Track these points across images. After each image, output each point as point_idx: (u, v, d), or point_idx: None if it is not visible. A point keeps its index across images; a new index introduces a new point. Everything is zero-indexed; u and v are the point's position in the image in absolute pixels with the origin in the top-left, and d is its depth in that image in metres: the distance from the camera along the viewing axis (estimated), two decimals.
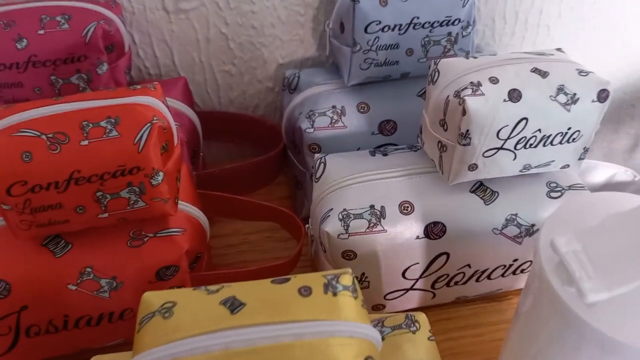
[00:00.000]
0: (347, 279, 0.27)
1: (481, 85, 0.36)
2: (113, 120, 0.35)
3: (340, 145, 0.47)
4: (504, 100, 0.36)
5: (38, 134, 0.34)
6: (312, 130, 0.47)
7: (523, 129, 0.37)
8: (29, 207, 0.35)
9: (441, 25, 0.46)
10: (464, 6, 0.45)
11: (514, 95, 0.36)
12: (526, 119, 0.37)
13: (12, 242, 0.38)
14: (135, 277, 0.39)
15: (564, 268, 0.26)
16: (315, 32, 0.53)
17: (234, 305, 0.26)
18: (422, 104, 0.48)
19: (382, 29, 0.45)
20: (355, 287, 0.28)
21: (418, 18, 0.45)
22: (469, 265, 0.43)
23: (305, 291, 0.27)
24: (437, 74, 0.39)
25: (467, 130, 0.36)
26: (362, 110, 0.48)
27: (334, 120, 0.48)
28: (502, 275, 0.44)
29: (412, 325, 0.34)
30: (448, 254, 0.42)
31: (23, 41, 0.42)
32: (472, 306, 0.47)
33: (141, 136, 0.35)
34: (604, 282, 0.25)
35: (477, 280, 0.44)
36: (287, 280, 0.27)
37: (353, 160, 0.44)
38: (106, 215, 0.37)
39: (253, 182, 0.54)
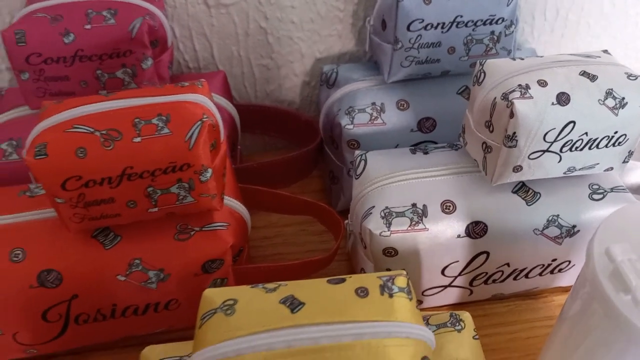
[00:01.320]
0: (402, 281, 0.28)
1: (530, 88, 0.36)
2: (164, 118, 0.36)
3: (379, 142, 0.47)
4: (552, 104, 0.36)
5: (92, 130, 0.35)
6: (351, 126, 0.47)
7: (570, 132, 0.37)
8: (82, 202, 0.36)
9: (484, 24, 0.45)
10: (508, 5, 0.45)
11: (563, 99, 0.36)
12: (574, 122, 0.37)
13: (63, 234, 0.39)
14: (181, 269, 0.40)
15: (619, 276, 0.26)
16: (354, 27, 0.53)
17: (293, 305, 0.27)
18: (461, 102, 0.48)
19: (425, 27, 0.45)
20: (409, 289, 0.28)
21: (461, 16, 0.45)
22: (507, 264, 0.43)
23: (362, 292, 0.27)
24: (482, 75, 0.39)
25: (514, 133, 0.37)
26: (401, 108, 0.48)
27: (373, 117, 0.48)
28: (540, 274, 0.44)
29: (457, 324, 0.34)
30: (488, 253, 0.42)
31: (70, 35, 0.42)
32: (507, 303, 0.48)
33: (192, 134, 0.36)
34: None
35: (514, 279, 0.45)
36: (343, 280, 0.28)
37: (394, 158, 0.44)
38: (156, 209, 0.37)
39: (289, 175, 0.55)
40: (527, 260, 0.43)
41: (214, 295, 0.28)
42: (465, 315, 0.35)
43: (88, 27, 0.43)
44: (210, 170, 0.37)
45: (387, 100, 0.48)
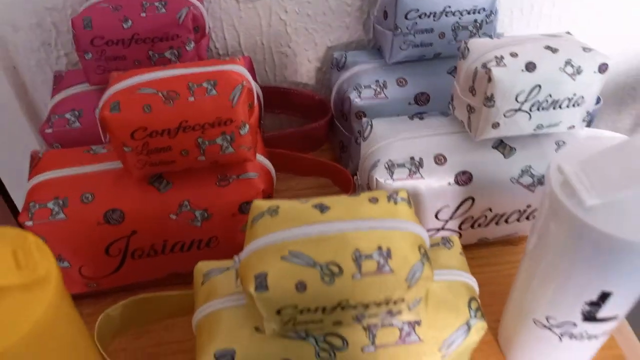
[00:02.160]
0: (404, 194, 0.37)
1: (504, 59, 0.45)
2: (212, 82, 0.44)
3: (382, 113, 0.56)
4: (522, 70, 0.45)
5: (155, 91, 0.44)
6: (359, 100, 0.56)
7: (537, 94, 0.46)
8: (146, 149, 0.44)
9: (469, 13, 0.55)
10: None
11: (530, 67, 0.45)
12: (539, 85, 0.46)
13: (125, 182, 0.48)
14: (222, 209, 0.48)
15: (568, 185, 0.35)
16: (359, 20, 0.62)
17: (322, 208, 0.35)
18: (451, 80, 0.57)
19: (419, 16, 0.54)
20: (409, 200, 0.37)
21: (450, 7, 0.54)
22: (490, 209, 0.52)
23: (374, 200, 0.36)
24: (467, 50, 0.48)
25: (492, 95, 0.45)
26: (400, 84, 0.57)
27: (377, 92, 0.57)
28: (518, 219, 0.53)
29: (447, 243, 0.43)
30: (473, 199, 0.51)
31: (128, 22, 0.51)
32: (491, 248, 0.56)
33: (234, 95, 0.44)
34: (598, 193, 0.34)
35: (496, 224, 0.53)
36: (359, 195, 0.37)
37: (395, 123, 0.53)
38: (203, 158, 0.46)
39: (303, 146, 0.64)
40: (506, 206, 0.52)
41: (261, 204, 0.36)
42: (454, 238, 0.44)
43: (143, 15, 0.52)
44: (247, 125, 0.46)
45: (389, 78, 0.57)
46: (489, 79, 0.45)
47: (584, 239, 0.35)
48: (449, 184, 0.50)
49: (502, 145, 0.50)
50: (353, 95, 0.57)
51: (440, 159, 0.50)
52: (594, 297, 0.37)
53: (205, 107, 0.44)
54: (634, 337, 0.51)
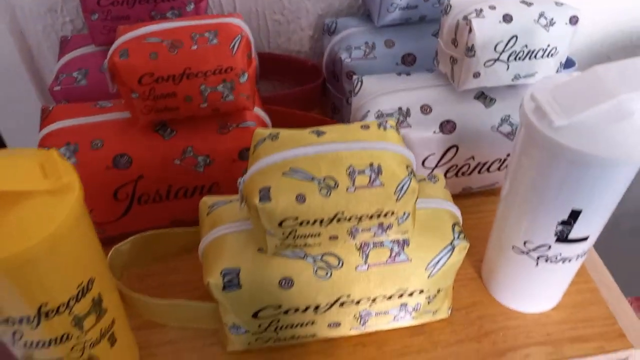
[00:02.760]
0: (392, 122, 0.40)
1: (483, 11, 0.49)
2: (213, 32, 0.48)
3: (371, 72, 0.59)
4: (500, 22, 0.49)
5: (160, 40, 0.47)
6: (349, 60, 0.60)
7: (514, 44, 0.50)
8: (152, 95, 0.48)
9: None
10: None
11: (507, 18, 0.49)
12: (516, 36, 0.49)
13: (132, 129, 0.51)
14: (223, 155, 0.52)
15: (540, 110, 0.39)
16: None
17: (319, 133, 0.39)
18: (435, 42, 0.61)
19: None
20: (397, 128, 0.40)
21: None
22: (472, 158, 0.55)
23: (365, 127, 0.40)
24: (449, 7, 0.52)
25: (473, 45, 0.49)
26: (388, 46, 0.61)
27: (366, 53, 0.60)
28: (499, 168, 0.57)
29: (432, 178, 0.47)
30: (457, 147, 0.54)
31: None
32: (475, 198, 0.60)
33: (234, 44, 0.48)
34: (565, 114, 0.37)
35: (479, 172, 0.57)
36: (351, 123, 0.40)
37: (383, 79, 0.56)
38: (205, 105, 0.49)
39: (297, 107, 0.67)
40: (487, 154, 0.55)
41: (262, 132, 0.40)
42: (439, 175, 0.47)
43: None
44: (246, 74, 0.49)
45: (377, 40, 0.61)
46: (470, 30, 0.49)
47: (554, 158, 0.39)
48: (434, 132, 0.53)
49: (483, 97, 0.54)
50: (344, 56, 0.60)
51: (426, 109, 0.53)
52: (565, 216, 0.41)
53: (207, 55, 0.47)
54: (606, 272, 0.55)
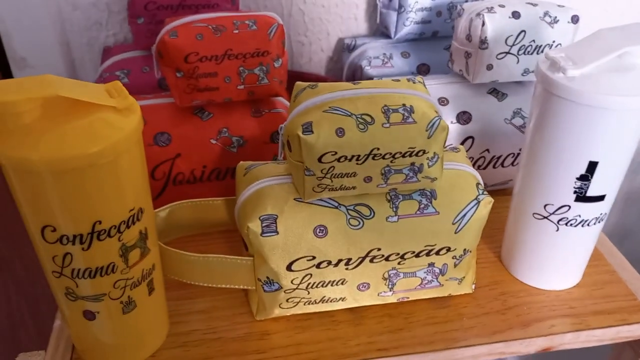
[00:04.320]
0: (420, 79, 0.44)
1: (493, 8, 0.55)
2: (253, 21, 0.53)
3: None
4: (509, 17, 0.55)
5: (206, 25, 0.52)
6: (369, 67, 0.65)
7: (523, 38, 0.55)
8: (195, 74, 0.52)
9: None
10: None
11: (516, 15, 0.55)
12: (524, 31, 0.55)
13: (173, 111, 0.55)
14: (256, 137, 0.55)
15: (554, 65, 0.43)
16: (366, 12, 0.73)
17: (355, 82, 0.43)
18: (447, 55, 0.67)
19: None
20: (424, 84, 0.44)
21: None
22: (488, 151, 0.59)
23: (396, 80, 0.43)
24: (462, 10, 0.58)
25: (486, 37, 0.54)
26: (404, 57, 0.67)
27: (384, 62, 0.66)
28: (512, 164, 0.60)
29: (454, 149, 0.50)
30: (473, 138, 0.58)
31: None
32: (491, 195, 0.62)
33: (271, 31, 0.53)
34: (577, 66, 0.42)
35: (494, 167, 0.60)
36: (383, 80, 0.44)
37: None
38: (242, 87, 0.54)
39: None
40: (501, 147, 0.59)
41: (302, 83, 0.43)
42: (460, 147, 0.51)
43: None
44: (281, 60, 0.54)
45: (394, 52, 0.67)
46: (483, 23, 0.54)
47: (569, 106, 0.42)
48: (452, 122, 0.57)
49: (495, 92, 0.59)
50: (364, 64, 0.65)
51: (443, 101, 0.58)
52: (583, 169, 0.44)
53: (247, 39, 0.52)
54: (622, 256, 0.56)
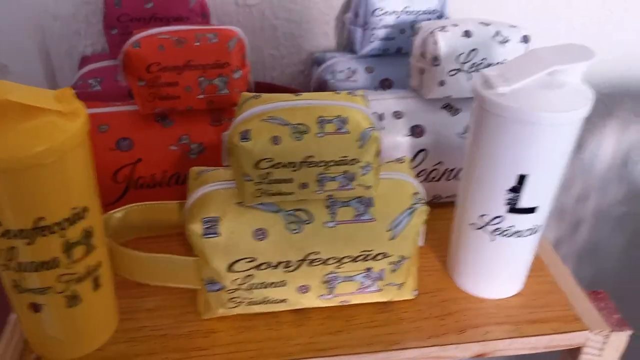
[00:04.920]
0: (361, 92, 0.47)
1: (446, 27, 0.57)
2: (214, 34, 0.56)
3: None
4: (461, 36, 0.57)
5: (168, 37, 0.55)
6: (333, 81, 0.68)
7: (474, 56, 0.57)
8: (157, 83, 0.55)
9: (423, 13, 0.68)
10: (439, 0, 0.68)
11: (467, 34, 0.57)
12: (476, 49, 0.57)
13: (136, 118, 0.57)
14: (214, 145, 0.58)
15: (487, 82, 0.45)
16: (336, 29, 0.75)
17: (297, 94, 0.45)
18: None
19: (384, 14, 0.67)
20: (365, 97, 0.47)
21: (408, 7, 0.67)
22: (441, 163, 0.61)
23: (338, 93, 0.46)
24: (419, 28, 0.60)
25: (437, 55, 0.57)
26: (368, 72, 0.69)
27: (348, 76, 0.68)
28: None
29: (399, 160, 0.52)
30: (426, 150, 0.60)
31: (150, 3, 0.64)
32: (444, 207, 0.64)
33: (231, 44, 0.56)
34: (508, 82, 0.44)
35: (447, 179, 0.62)
36: (325, 92, 0.47)
37: (366, 91, 0.64)
38: (202, 96, 0.56)
39: None
40: (454, 161, 0.61)
41: (247, 94, 0.46)
42: (406, 158, 0.53)
43: None
44: (240, 71, 0.57)
45: (359, 67, 0.69)
46: (435, 42, 0.57)
47: (499, 121, 0.44)
48: (405, 135, 0.59)
49: (449, 107, 0.61)
50: (329, 77, 0.68)
51: (398, 114, 0.60)
52: (513, 181, 0.46)
53: (207, 50, 0.55)
54: (564, 267, 0.58)
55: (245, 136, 0.42)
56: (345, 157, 0.43)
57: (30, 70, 0.71)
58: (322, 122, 0.42)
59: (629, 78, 0.89)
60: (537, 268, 0.57)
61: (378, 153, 0.44)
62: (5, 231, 0.39)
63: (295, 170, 0.43)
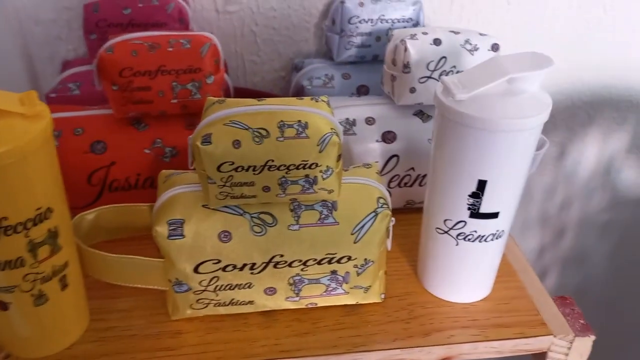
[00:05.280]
0: (325, 98, 0.48)
1: (416, 35, 0.58)
2: (187, 40, 0.57)
3: None
4: (430, 44, 0.58)
5: (141, 42, 0.56)
6: (310, 87, 0.69)
7: (444, 64, 0.58)
8: (130, 87, 0.56)
9: (399, 22, 0.69)
10: (414, 9, 0.69)
11: (437, 42, 0.58)
12: (445, 57, 0.58)
13: (110, 122, 0.58)
14: (187, 149, 0.58)
15: (446, 88, 0.46)
16: (316, 36, 0.76)
17: (260, 99, 0.46)
18: None
19: (360, 22, 0.68)
20: (329, 103, 0.48)
21: (384, 15, 0.68)
22: (413, 169, 0.62)
23: (301, 99, 0.47)
24: (391, 35, 0.61)
25: (408, 62, 0.58)
26: (345, 78, 0.70)
27: (325, 82, 0.69)
28: None
29: (367, 165, 0.53)
30: (398, 156, 0.61)
31: (128, 9, 0.65)
32: (417, 213, 0.64)
33: (203, 49, 0.57)
34: (466, 89, 0.45)
35: (420, 185, 0.63)
36: (290, 98, 0.48)
37: (337, 98, 0.65)
38: (175, 101, 0.57)
39: None
40: (425, 166, 0.62)
41: (212, 99, 0.47)
42: (374, 163, 0.54)
43: (140, 5, 0.65)
44: (213, 77, 0.57)
45: (336, 73, 0.70)
46: (405, 49, 0.58)
47: (457, 127, 0.45)
48: (377, 140, 0.60)
49: (420, 113, 0.62)
50: (306, 83, 0.69)
51: (370, 121, 0.61)
52: (473, 187, 0.47)
53: (180, 56, 0.56)
54: (533, 273, 0.59)
55: (207, 140, 0.43)
56: (306, 161, 0.44)
57: (13, 74, 0.72)
58: (282, 126, 0.43)
59: (611, 87, 0.90)
60: (506, 273, 0.58)
61: (339, 157, 0.45)
62: None
63: (256, 174, 0.44)
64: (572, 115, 0.89)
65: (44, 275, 0.44)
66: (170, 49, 0.56)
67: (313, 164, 0.44)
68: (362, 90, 0.70)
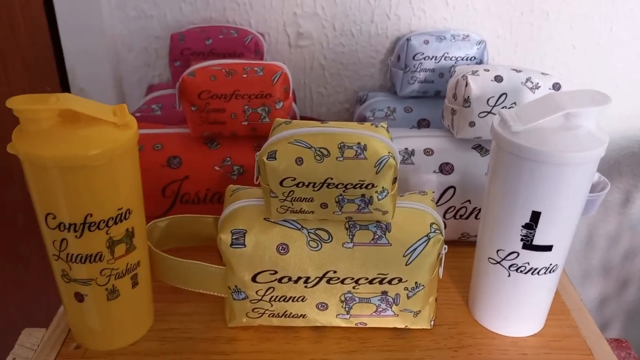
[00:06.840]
0: (384, 124, 0.50)
1: (478, 72, 0.61)
2: (261, 68, 0.61)
3: None
4: (492, 80, 0.60)
5: (220, 68, 0.61)
6: (372, 118, 0.72)
7: (504, 100, 0.60)
8: (206, 108, 0.61)
9: (462, 60, 0.71)
10: (478, 48, 0.71)
11: (498, 79, 0.60)
12: (505, 94, 0.60)
13: (187, 140, 0.63)
14: (253, 168, 0.62)
15: (504, 121, 0.48)
16: (381, 72, 0.80)
17: (323, 122, 0.49)
18: None
19: (424, 58, 0.71)
20: (388, 129, 0.50)
21: (448, 53, 0.71)
22: (469, 201, 0.63)
23: (362, 124, 0.50)
24: (454, 71, 0.64)
25: (468, 97, 0.60)
26: (407, 111, 0.73)
27: (387, 114, 0.72)
28: None
29: (422, 192, 0.55)
30: (455, 188, 0.63)
31: (209, 40, 0.71)
32: (472, 246, 0.66)
33: (275, 77, 0.61)
34: (522, 122, 0.46)
35: (475, 217, 0.64)
36: (353, 123, 0.51)
37: (398, 129, 0.67)
38: (246, 123, 0.62)
39: None
40: (482, 199, 0.63)
41: (280, 120, 0.50)
42: (429, 191, 0.55)
43: (221, 36, 0.71)
44: (282, 103, 0.62)
45: (398, 106, 0.73)
46: (466, 84, 0.60)
47: (513, 158, 0.47)
48: (434, 171, 0.62)
49: (479, 147, 0.63)
50: (368, 114, 0.72)
51: (428, 152, 0.63)
52: (527, 218, 0.48)
53: (253, 82, 0.60)
54: (587, 312, 0.58)
55: (272, 156, 0.46)
56: (363, 181, 0.46)
57: (104, 94, 0.79)
58: (342, 147, 0.46)
59: None
60: (559, 311, 0.57)
61: (394, 180, 0.47)
62: (59, 224, 0.45)
63: (316, 190, 0.47)
64: (638, 163, 0.87)
65: (119, 271, 0.48)
66: (245, 75, 0.60)
67: (369, 184, 0.47)
68: (422, 124, 0.72)
